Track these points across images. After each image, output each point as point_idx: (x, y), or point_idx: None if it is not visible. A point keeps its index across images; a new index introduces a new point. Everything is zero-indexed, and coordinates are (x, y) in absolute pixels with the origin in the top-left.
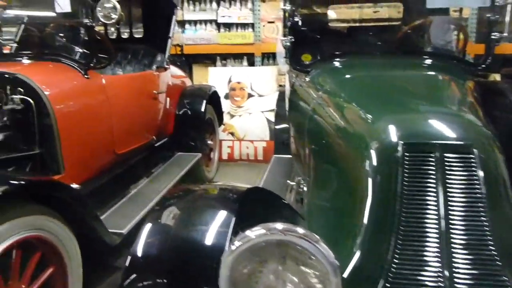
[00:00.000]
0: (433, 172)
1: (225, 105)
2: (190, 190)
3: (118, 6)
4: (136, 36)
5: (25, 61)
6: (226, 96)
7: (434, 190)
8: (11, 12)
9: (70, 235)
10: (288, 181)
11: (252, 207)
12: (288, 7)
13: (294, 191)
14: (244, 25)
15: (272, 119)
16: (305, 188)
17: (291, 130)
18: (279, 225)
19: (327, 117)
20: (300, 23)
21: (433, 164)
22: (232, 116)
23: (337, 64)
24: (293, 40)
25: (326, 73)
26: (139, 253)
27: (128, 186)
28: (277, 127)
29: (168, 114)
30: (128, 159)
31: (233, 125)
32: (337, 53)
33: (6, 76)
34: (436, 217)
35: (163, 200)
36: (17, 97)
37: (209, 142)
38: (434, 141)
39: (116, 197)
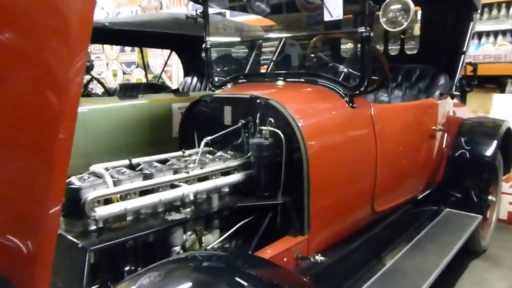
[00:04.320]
0: None
1: None
2: None
3: (412, 6)
4: (409, 52)
5: (281, 82)
6: None
7: None
8: (273, 34)
9: None
10: None
11: None
12: None
13: None
14: None
15: None
16: None
17: None
18: None
19: None
20: None
21: None
22: None
23: None
24: None
25: None
26: None
27: (383, 255)
28: None
29: (441, 155)
30: (386, 218)
31: None
32: None
33: (258, 101)
34: None
35: None
36: (266, 129)
37: (489, 197)
38: None
39: (367, 269)
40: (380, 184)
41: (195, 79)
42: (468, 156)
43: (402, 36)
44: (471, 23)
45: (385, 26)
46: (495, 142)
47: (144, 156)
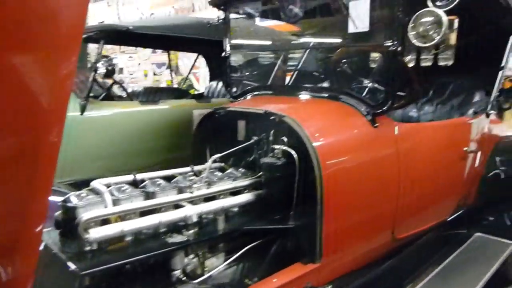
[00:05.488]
0: None
1: None
2: None
3: (445, 19)
4: (442, 63)
5: (302, 96)
6: None
7: None
8: (299, 43)
9: None
10: None
11: None
12: None
13: None
14: None
15: None
16: None
17: None
18: None
19: None
20: None
21: None
22: None
23: None
24: None
25: None
26: None
27: (404, 284)
28: None
29: (473, 176)
30: (409, 244)
31: None
32: None
33: (272, 118)
34: None
35: None
36: (279, 148)
37: None
38: None
39: None
40: (403, 209)
41: (221, 83)
42: (503, 177)
43: (435, 51)
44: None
45: (414, 41)
46: None
47: (162, 160)
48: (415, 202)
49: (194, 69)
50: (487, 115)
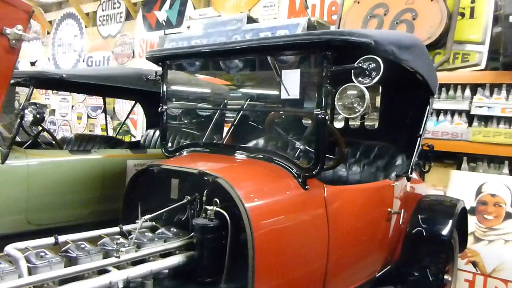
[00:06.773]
0: None
1: (469, 223)
2: None
3: (367, 94)
4: (369, 124)
5: (236, 155)
6: (472, 211)
7: None
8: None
9: None
10: None
11: None
12: None
13: None
14: (510, 120)
15: None
16: None
17: None
18: None
19: None
20: None
21: None
22: (478, 239)
23: None
24: None
25: None
26: None
27: None
28: None
29: (398, 234)
30: None
31: (478, 252)
32: None
33: (205, 178)
34: None
35: None
36: (211, 209)
37: (445, 277)
38: None
39: None
40: (333, 269)
41: (158, 132)
42: (425, 234)
43: (360, 120)
44: (428, 107)
45: (340, 112)
46: (451, 221)
47: (92, 212)
48: (345, 261)
49: (131, 114)
50: (408, 179)
